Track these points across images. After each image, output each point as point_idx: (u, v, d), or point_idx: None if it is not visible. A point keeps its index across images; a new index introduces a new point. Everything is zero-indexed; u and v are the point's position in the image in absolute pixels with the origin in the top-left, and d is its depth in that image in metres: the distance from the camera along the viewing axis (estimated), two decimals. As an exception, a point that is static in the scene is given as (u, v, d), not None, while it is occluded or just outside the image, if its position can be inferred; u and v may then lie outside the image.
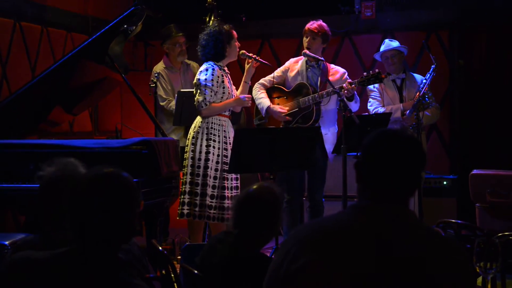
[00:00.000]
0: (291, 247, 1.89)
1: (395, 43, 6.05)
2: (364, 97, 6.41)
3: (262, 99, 5.62)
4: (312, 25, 5.55)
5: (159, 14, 7.32)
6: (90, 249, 2.10)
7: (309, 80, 5.58)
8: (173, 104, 6.23)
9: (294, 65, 5.70)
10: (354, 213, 1.92)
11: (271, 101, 5.63)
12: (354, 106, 5.40)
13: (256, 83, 5.69)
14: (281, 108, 5.53)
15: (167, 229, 6.24)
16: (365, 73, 5.34)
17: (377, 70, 5.29)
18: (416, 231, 1.87)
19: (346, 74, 5.63)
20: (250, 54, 5.40)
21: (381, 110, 5.95)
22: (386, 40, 6.16)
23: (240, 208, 3.03)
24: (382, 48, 6.09)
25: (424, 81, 5.80)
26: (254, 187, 3.06)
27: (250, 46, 5.85)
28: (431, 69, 5.73)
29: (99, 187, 2.12)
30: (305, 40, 5.56)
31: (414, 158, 1.95)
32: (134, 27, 5.20)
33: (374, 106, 6.04)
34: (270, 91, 5.70)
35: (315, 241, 1.86)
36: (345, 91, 5.24)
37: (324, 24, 5.59)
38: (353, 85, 5.26)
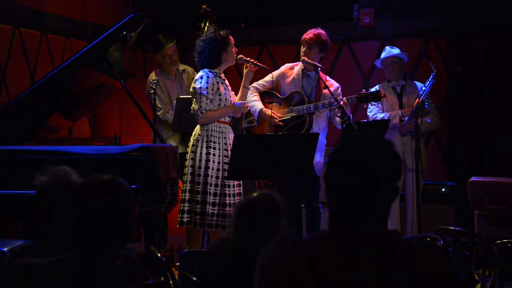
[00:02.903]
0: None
1: (395, 50, 6.07)
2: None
3: (255, 102, 5.60)
4: (308, 35, 5.52)
5: (157, 21, 7.33)
6: (88, 256, 2.10)
7: (304, 89, 5.58)
8: (169, 114, 6.24)
9: (290, 72, 5.68)
10: (324, 244, 1.81)
11: (264, 106, 5.62)
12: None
13: (249, 86, 5.66)
14: (274, 113, 5.52)
15: (166, 235, 6.23)
16: (363, 90, 5.35)
17: (376, 89, 5.29)
18: (392, 254, 1.78)
19: (340, 89, 5.63)
20: (248, 59, 5.38)
21: (380, 116, 5.96)
22: (387, 47, 6.17)
23: (240, 215, 3.03)
24: (383, 55, 6.10)
25: (423, 88, 5.82)
26: (255, 194, 3.06)
27: (249, 53, 5.84)
28: (431, 77, 5.75)
29: (95, 195, 2.13)
30: (302, 50, 5.56)
31: (383, 165, 1.80)
32: (133, 34, 5.21)
33: (373, 112, 6.05)
34: (263, 95, 5.68)
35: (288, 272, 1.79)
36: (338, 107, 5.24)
37: (322, 32, 5.55)
38: (347, 101, 5.25)
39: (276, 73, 5.69)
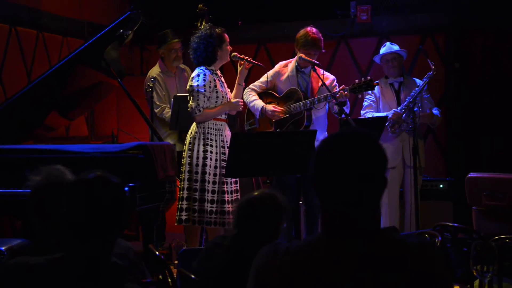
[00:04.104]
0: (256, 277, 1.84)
1: (396, 47, 6.05)
2: (360, 100, 6.42)
3: (255, 101, 5.61)
4: (321, 43, 5.52)
5: (154, 19, 7.32)
6: (84, 254, 2.10)
7: (299, 86, 5.59)
8: (166, 111, 6.24)
9: (284, 69, 5.69)
10: (320, 244, 1.80)
11: None
12: (346, 110, 5.40)
13: (247, 88, 5.65)
14: (275, 107, 5.53)
15: (164, 233, 6.23)
16: (356, 80, 5.34)
17: (368, 78, 5.29)
18: (386, 253, 1.77)
19: (336, 81, 5.63)
20: (242, 56, 5.37)
21: (368, 115, 5.96)
22: (387, 43, 6.13)
23: (241, 213, 3.03)
24: (383, 50, 6.07)
25: (419, 85, 5.84)
26: (256, 193, 3.06)
27: (246, 50, 5.85)
28: (427, 76, 5.76)
29: (87, 191, 2.13)
30: (310, 53, 5.52)
31: (370, 158, 1.80)
32: (130, 32, 5.20)
33: (365, 110, 6.05)
34: (261, 96, 5.69)
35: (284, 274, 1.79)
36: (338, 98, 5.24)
37: (321, 38, 5.58)
38: (346, 92, 5.26)
39: (270, 73, 5.69)
